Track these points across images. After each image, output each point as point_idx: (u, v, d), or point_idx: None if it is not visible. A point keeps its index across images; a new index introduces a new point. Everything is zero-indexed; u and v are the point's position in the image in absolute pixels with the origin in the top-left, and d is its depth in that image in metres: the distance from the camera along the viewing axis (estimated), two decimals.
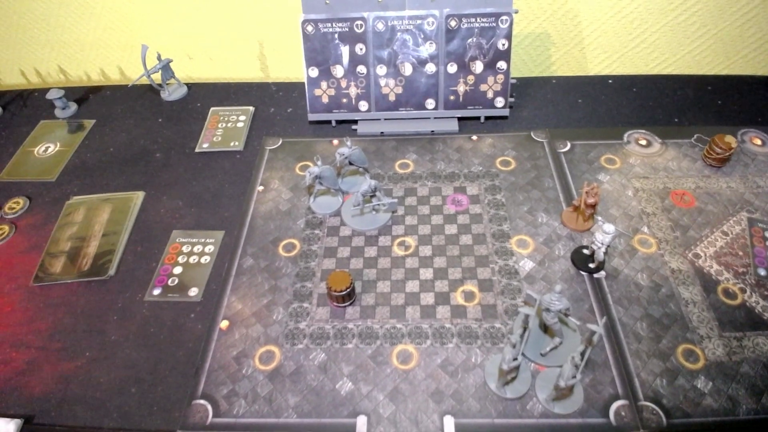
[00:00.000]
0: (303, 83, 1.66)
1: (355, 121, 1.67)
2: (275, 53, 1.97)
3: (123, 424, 1.07)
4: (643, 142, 1.56)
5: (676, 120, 1.65)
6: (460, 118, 1.66)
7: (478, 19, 1.54)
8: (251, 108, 1.79)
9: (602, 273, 1.25)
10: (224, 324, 1.21)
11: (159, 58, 1.81)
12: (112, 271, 1.33)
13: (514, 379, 1.08)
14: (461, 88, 1.62)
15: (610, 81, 1.83)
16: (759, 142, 1.54)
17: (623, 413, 1.03)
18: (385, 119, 1.66)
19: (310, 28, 1.56)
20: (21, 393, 1.12)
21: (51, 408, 1.10)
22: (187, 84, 1.92)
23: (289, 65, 2.00)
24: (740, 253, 1.28)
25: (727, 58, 1.85)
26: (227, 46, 1.95)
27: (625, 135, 1.59)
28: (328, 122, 1.69)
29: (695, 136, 1.57)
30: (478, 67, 1.59)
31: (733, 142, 1.43)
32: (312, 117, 1.67)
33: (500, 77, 1.60)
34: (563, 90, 1.80)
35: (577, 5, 1.76)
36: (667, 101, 1.72)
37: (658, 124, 1.63)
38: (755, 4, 1.70)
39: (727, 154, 1.44)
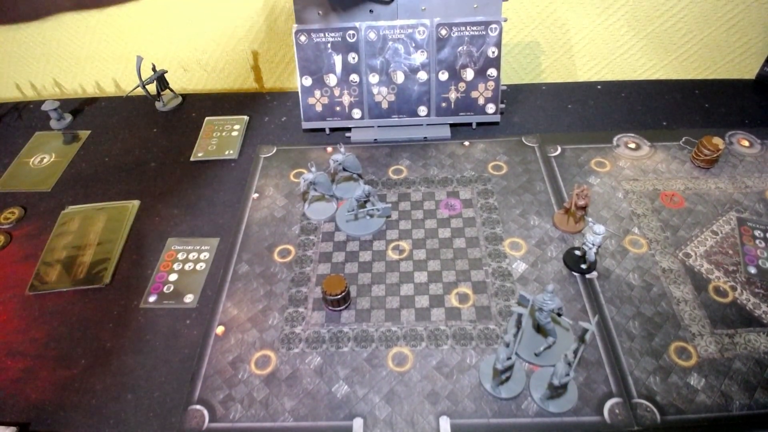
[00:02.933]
0: (297, 92, 1.68)
1: (349, 129, 1.69)
2: (269, 64, 1.99)
3: (119, 431, 1.07)
4: (633, 146, 1.58)
5: (664, 123, 1.68)
6: (452, 125, 1.68)
7: (468, 28, 1.57)
8: (245, 117, 1.81)
9: (594, 273, 1.27)
10: (220, 329, 1.21)
11: (154, 69, 1.83)
12: (107, 279, 1.34)
13: (508, 379, 1.09)
14: (453, 96, 1.64)
15: (598, 87, 1.85)
16: (746, 143, 1.57)
17: (617, 411, 1.04)
18: (378, 126, 1.68)
19: (303, 38, 1.58)
20: (17, 401, 1.12)
21: (47, 415, 1.10)
22: (181, 95, 1.93)
23: (282, 75, 2.02)
24: (730, 252, 1.29)
25: (714, 63, 1.88)
26: (221, 58, 1.97)
27: (615, 139, 1.61)
28: (322, 130, 1.71)
29: (683, 138, 1.59)
30: (469, 74, 1.62)
31: (720, 143, 1.45)
32: (306, 125, 1.69)
33: (491, 84, 1.63)
34: (553, 96, 1.83)
35: (565, 14, 1.79)
36: (656, 105, 1.75)
37: (646, 127, 1.66)
38: (740, 10, 1.73)
39: (715, 155, 1.46)
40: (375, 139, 1.66)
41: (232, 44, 1.93)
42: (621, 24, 1.80)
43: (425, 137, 1.65)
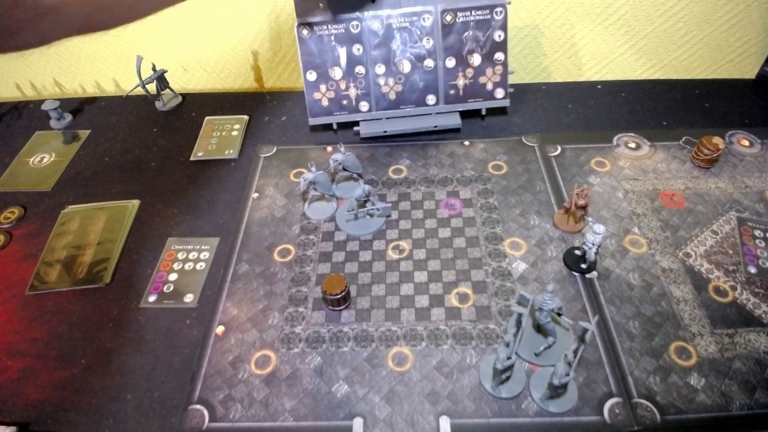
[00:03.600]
0: (297, 92, 1.67)
1: (357, 123, 1.66)
2: (269, 63, 1.99)
3: (119, 431, 1.07)
4: (633, 145, 1.58)
5: (664, 123, 1.68)
6: (461, 112, 1.65)
7: (473, 13, 1.55)
8: (246, 117, 1.80)
9: (594, 273, 1.27)
10: (220, 329, 1.21)
11: (154, 68, 1.82)
12: (107, 279, 1.33)
13: (508, 378, 1.09)
14: (461, 82, 1.62)
15: (599, 86, 1.85)
16: (746, 143, 1.57)
17: (617, 411, 1.04)
18: (387, 118, 1.65)
19: (305, 32, 1.56)
20: (16, 401, 1.12)
21: (47, 415, 1.10)
22: (182, 94, 1.93)
23: (282, 75, 2.02)
24: (730, 252, 1.29)
25: (714, 62, 1.88)
26: (222, 57, 1.97)
27: (615, 138, 1.61)
28: (325, 128, 1.70)
29: (683, 138, 1.59)
30: (476, 59, 1.60)
31: (720, 143, 1.45)
32: (313, 121, 1.66)
33: (498, 68, 1.61)
34: (553, 96, 1.83)
35: (565, 13, 1.79)
36: (656, 105, 1.75)
37: (646, 127, 1.66)
38: (740, 9, 1.73)
39: (715, 155, 1.46)
40: (384, 131, 1.63)
41: (232, 44, 1.92)
42: (621, 24, 1.80)
43: (435, 126, 1.63)
